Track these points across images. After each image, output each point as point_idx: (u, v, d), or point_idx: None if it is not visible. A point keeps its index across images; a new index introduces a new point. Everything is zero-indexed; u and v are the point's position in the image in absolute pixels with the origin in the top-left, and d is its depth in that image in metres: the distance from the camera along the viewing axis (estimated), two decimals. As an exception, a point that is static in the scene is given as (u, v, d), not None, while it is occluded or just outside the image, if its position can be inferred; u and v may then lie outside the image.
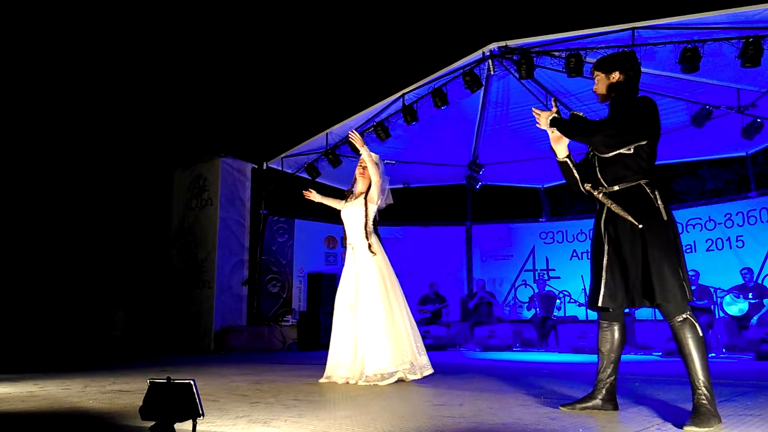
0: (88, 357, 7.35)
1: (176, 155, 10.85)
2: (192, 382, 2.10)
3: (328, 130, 9.24)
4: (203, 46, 16.17)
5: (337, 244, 10.91)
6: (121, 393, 3.64)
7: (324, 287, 9.24)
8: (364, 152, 4.50)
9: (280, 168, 10.09)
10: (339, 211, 4.78)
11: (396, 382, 4.17)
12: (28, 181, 11.12)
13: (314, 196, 4.88)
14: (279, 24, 18.20)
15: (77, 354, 7.91)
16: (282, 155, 9.89)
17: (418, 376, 4.26)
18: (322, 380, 4.37)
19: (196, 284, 9.39)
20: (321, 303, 9.06)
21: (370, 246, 4.44)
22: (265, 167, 10.06)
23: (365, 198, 4.57)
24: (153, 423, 2.12)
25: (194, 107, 15.14)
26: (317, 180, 9.98)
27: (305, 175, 10.03)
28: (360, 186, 4.67)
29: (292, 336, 9.50)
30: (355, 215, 4.55)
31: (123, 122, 13.43)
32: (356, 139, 4.56)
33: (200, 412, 2.10)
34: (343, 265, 4.65)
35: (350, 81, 17.23)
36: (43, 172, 11.40)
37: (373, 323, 4.26)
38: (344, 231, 4.67)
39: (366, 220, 4.51)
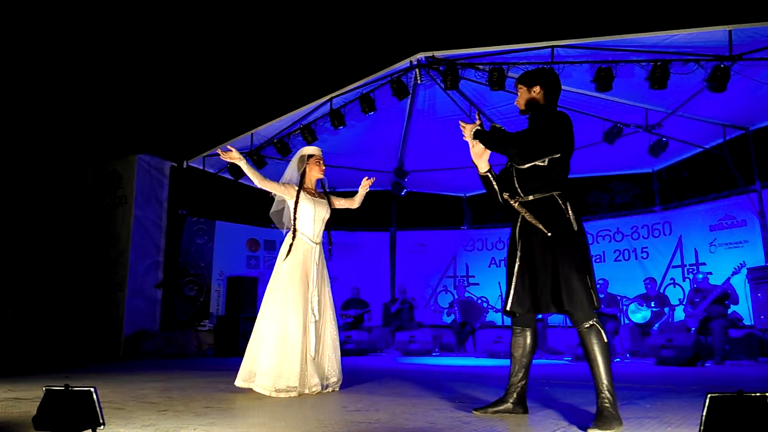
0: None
1: (90, 150, 10.30)
2: (92, 390, 1.99)
3: (252, 131, 9.04)
4: (122, 39, 15.48)
5: (260, 247, 10.68)
6: (17, 401, 3.39)
7: (244, 291, 9.00)
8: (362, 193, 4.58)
9: (201, 167, 9.77)
10: (271, 198, 4.51)
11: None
12: None
13: (235, 157, 4.04)
14: (203, 21, 17.71)
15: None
16: (203, 154, 9.58)
17: (337, 389, 4.07)
18: (290, 394, 3.69)
19: (106, 286, 8.91)
20: (241, 308, 8.83)
21: (330, 249, 4.37)
22: (185, 166, 9.72)
23: (328, 198, 4.48)
24: (48, 434, 1.99)
25: (112, 102, 14.45)
26: (240, 181, 9.76)
27: (228, 176, 9.77)
28: (308, 183, 4.47)
29: (208, 341, 9.20)
30: (325, 214, 4.37)
31: (30, 112, 12.60)
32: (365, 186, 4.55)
33: (100, 421, 1.99)
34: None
35: (277, 82, 17.01)
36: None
37: (334, 330, 4.15)
38: (294, 224, 4.18)
39: (329, 220, 4.41)
